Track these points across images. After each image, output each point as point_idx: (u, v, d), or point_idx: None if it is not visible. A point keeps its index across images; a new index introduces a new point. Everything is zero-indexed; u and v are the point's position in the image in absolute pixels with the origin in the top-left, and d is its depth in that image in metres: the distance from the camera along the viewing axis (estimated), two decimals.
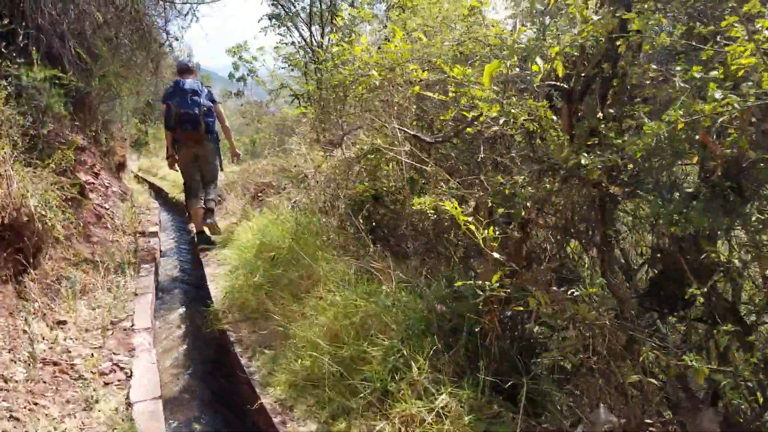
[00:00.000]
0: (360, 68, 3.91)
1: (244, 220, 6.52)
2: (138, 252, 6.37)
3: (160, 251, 7.25)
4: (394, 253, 4.43)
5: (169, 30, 8.09)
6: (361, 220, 4.56)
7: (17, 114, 5.50)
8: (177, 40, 8.45)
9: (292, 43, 7.48)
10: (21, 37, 5.99)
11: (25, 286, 4.32)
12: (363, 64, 3.88)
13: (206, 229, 6.54)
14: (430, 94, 3.18)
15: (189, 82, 6.08)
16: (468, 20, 3.40)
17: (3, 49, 5.87)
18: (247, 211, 6.90)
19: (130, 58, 7.21)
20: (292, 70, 12.69)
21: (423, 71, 3.24)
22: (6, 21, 5.52)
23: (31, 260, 4.41)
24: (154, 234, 7.85)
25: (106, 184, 8.86)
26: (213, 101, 6.17)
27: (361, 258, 4.12)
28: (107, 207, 7.81)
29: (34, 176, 4.70)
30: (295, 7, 7.26)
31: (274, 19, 7.16)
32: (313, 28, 7.34)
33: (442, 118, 3.21)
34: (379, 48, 3.86)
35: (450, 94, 2.97)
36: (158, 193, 13.18)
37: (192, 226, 7.45)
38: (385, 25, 5.64)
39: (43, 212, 4.39)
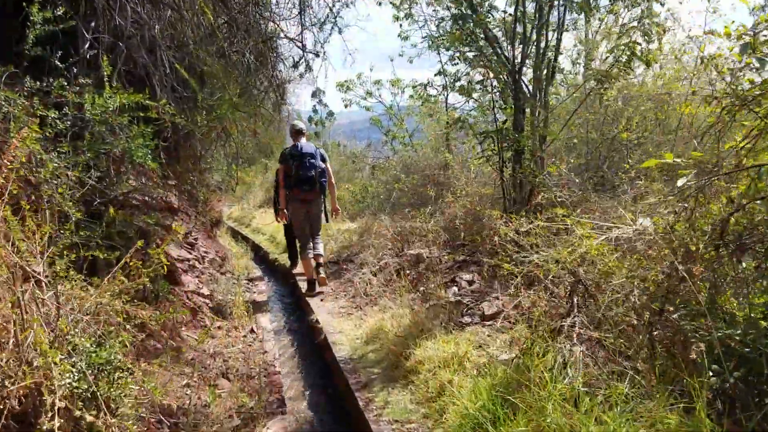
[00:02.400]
0: None
1: (424, 340, 3.92)
2: (259, 389, 3.92)
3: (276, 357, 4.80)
4: None
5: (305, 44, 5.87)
6: None
7: (71, 167, 3.26)
8: (318, 56, 6.14)
9: (480, 55, 4.92)
10: (88, 44, 3.83)
11: None
12: None
13: (316, 281, 6.68)
14: None
15: (306, 145, 6.36)
16: None
17: (57, 61, 3.71)
18: (421, 320, 4.33)
19: (248, 81, 4.93)
20: (423, 103, 10.35)
21: None
22: (65, 13, 3.36)
23: None
24: (264, 325, 5.46)
25: (203, 254, 6.63)
26: (324, 160, 6.50)
27: None
28: (205, 292, 5.49)
29: (85, 299, 2.35)
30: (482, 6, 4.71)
31: (460, 21, 4.65)
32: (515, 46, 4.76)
33: None
34: None
35: None
36: (256, 252, 11.01)
37: (315, 321, 5.69)
38: None
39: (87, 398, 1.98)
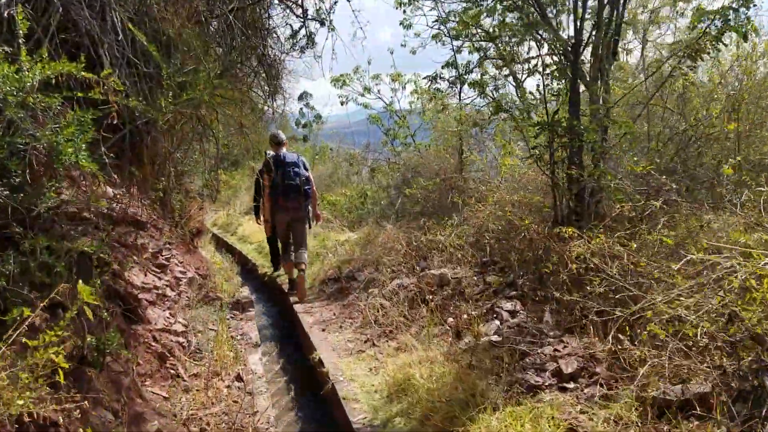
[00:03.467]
0: None
1: (479, 411, 2.81)
2: None
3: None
4: None
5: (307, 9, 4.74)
6: None
7: None
8: (323, 24, 4.97)
9: (528, 26, 3.82)
10: None
11: None
12: None
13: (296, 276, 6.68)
14: None
15: (289, 155, 6.53)
16: None
17: None
18: (464, 371, 3.24)
19: (232, 60, 3.77)
20: (430, 100, 9.30)
21: None
22: None
23: None
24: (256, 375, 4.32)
25: (178, 275, 5.49)
26: (306, 168, 6.61)
27: None
28: (177, 329, 4.35)
29: None
30: None
31: None
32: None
33: None
34: None
35: None
36: (243, 265, 9.86)
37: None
38: None
39: None
